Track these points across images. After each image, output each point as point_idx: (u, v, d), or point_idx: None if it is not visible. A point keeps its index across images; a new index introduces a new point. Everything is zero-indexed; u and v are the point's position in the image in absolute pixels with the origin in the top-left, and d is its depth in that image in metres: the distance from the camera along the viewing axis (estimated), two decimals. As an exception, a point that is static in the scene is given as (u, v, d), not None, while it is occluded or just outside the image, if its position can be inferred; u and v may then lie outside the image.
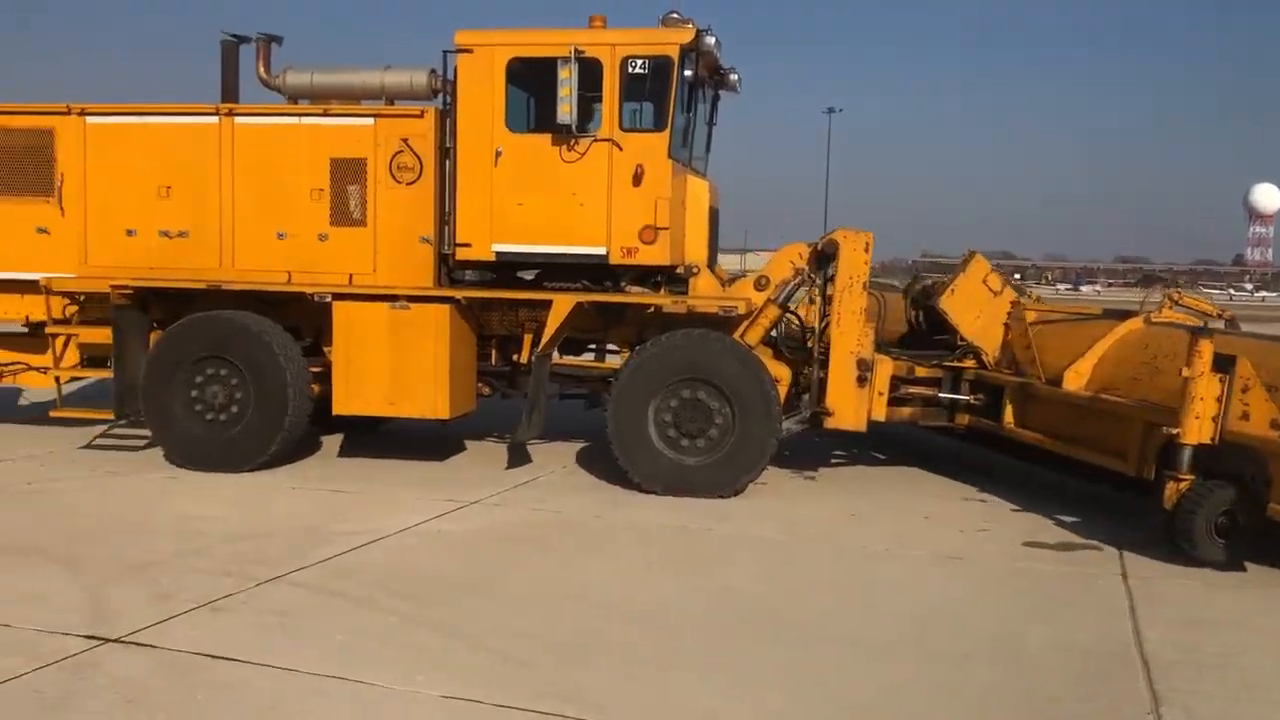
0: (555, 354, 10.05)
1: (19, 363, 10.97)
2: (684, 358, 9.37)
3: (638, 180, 9.43)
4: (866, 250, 9.75)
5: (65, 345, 10.57)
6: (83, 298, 10.53)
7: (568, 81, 9.11)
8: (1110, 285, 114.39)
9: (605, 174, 9.47)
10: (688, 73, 9.62)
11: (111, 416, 10.23)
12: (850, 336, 9.62)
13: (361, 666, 5.25)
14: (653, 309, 9.96)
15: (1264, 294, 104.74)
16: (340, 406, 9.77)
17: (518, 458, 10.45)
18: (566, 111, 9.14)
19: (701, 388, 9.32)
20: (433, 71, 9.99)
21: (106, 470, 9.81)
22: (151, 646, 5.44)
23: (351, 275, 9.98)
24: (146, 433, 10.41)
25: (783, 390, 9.78)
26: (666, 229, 9.47)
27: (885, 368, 9.88)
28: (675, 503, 9.03)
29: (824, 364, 9.75)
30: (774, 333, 10.20)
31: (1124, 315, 9.50)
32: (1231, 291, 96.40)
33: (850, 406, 9.64)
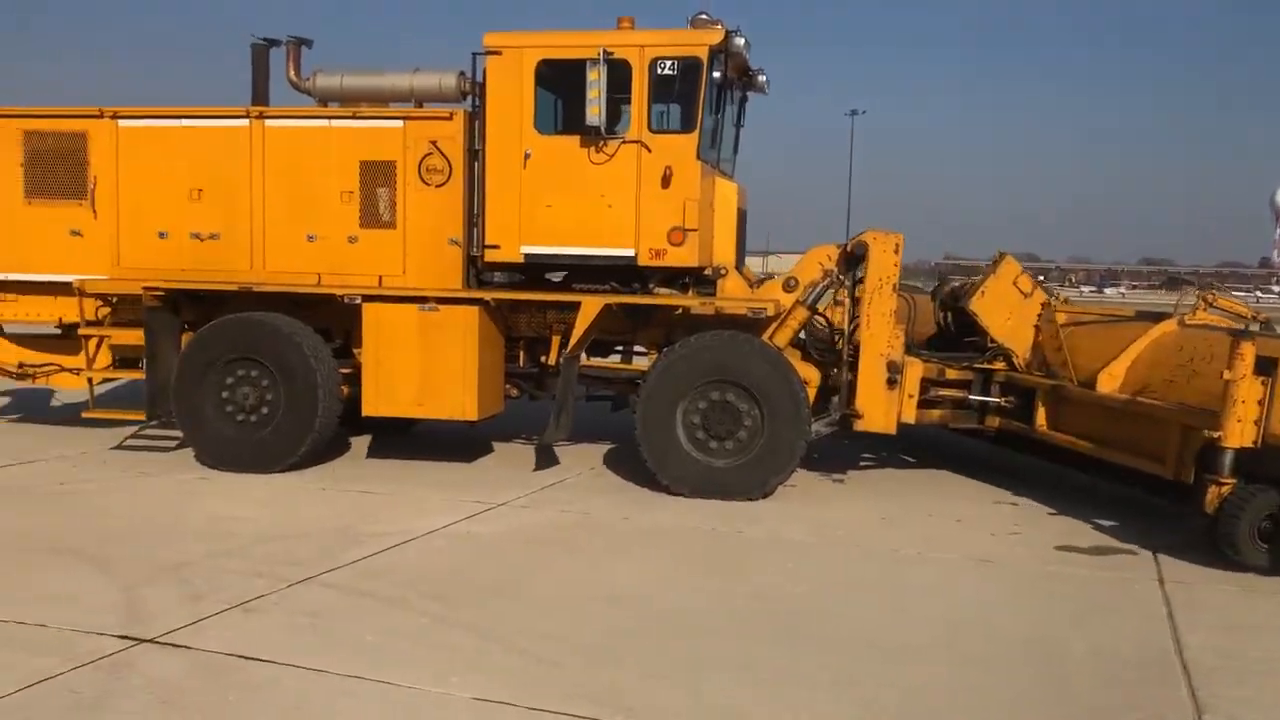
0: (583, 355, 10.04)
1: (52, 364, 11.06)
2: (713, 359, 9.33)
3: (666, 182, 9.41)
4: (896, 252, 9.69)
5: (98, 347, 10.65)
6: (115, 299, 10.61)
7: (596, 83, 9.11)
8: (1134, 287, 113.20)
9: (634, 176, 9.46)
10: (717, 74, 9.59)
11: (143, 417, 10.30)
12: (880, 338, 9.56)
13: (393, 668, 5.26)
14: (681, 311, 9.94)
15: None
16: (370, 408, 9.80)
17: (545, 459, 10.45)
18: (595, 113, 9.14)
19: (730, 390, 9.28)
20: (461, 74, 10.00)
21: (138, 471, 9.87)
22: (185, 647, 5.46)
23: (381, 277, 10.01)
24: (178, 434, 10.49)
25: (811, 392, 9.73)
26: (695, 230, 9.45)
27: (916, 370, 9.80)
28: (703, 505, 9.00)
29: (853, 366, 9.69)
30: (801, 334, 10.16)
31: (1157, 317, 9.39)
32: (1258, 294, 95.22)
33: (880, 409, 9.58)
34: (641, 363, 10.60)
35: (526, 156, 9.59)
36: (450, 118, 9.93)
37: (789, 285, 10.02)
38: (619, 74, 9.32)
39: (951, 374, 10.15)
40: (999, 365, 10.16)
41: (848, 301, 9.91)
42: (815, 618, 6.28)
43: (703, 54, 9.39)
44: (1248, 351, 7.33)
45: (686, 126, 9.52)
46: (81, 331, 10.50)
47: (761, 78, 10.81)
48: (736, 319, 9.61)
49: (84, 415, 10.68)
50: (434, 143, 9.89)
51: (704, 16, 9.63)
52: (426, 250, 9.97)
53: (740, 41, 9.73)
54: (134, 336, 10.26)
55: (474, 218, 9.93)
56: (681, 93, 9.52)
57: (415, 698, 4.95)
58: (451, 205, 9.90)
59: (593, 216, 9.54)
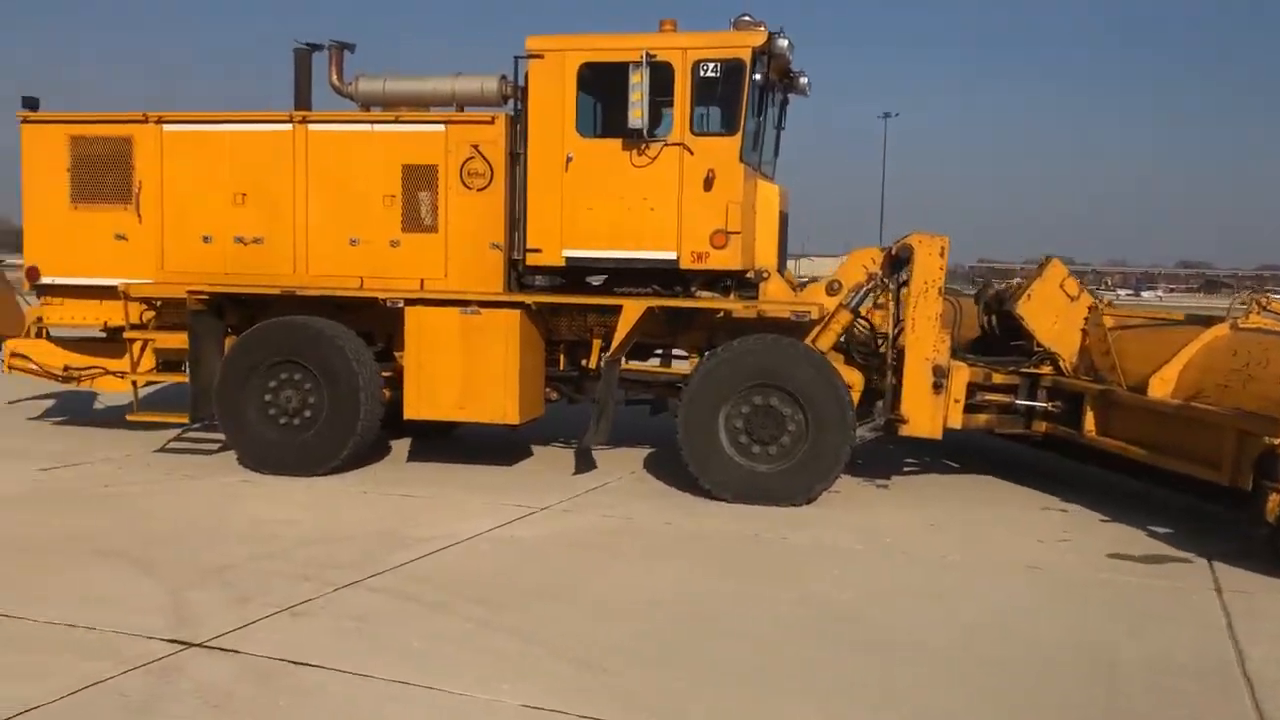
0: (623, 359, 10.00)
1: (97, 367, 11.15)
2: (756, 363, 9.25)
3: (709, 184, 9.35)
4: (942, 255, 9.58)
5: (142, 350, 10.76)
6: (159, 303, 10.68)
7: (639, 86, 9.07)
8: (1171, 290, 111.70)
9: (676, 178, 9.41)
10: (759, 76, 9.52)
11: (186, 420, 10.38)
12: (925, 342, 9.45)
13: (439, 673, 5.23)
14: (723, 314, 9.87)
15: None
16: (411, 411, 9.80)
17: (584, 463, 10.41)
18: (638, 116, 9.09)
19: (774, 394, 9.19)
20: (503, 77, 9.98)
21: (182, 474, 9.93)
22: (234, 651, 5.46)
23: (423, 280, 10.01)
24: (220, 436, 10.53)
25: (855, 397, 9.63)
26: (738, 233, 9.38)
27: (962, 374, 9.69)
28: (746, 510, 8.93)
29: (898, 370, 9.58)
30: (843, 338, 10.06)
31: (1208, 321, 9.23)
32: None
33: (926, 414, 9.46)
34: (681, 366, 10.54)
35: (568, 160, 9.57)
36: (492, 121, 9.92)
37: (833, 288, 9.92)
38: (661, 76, 9.27)
39: (998, 378, 10.01)
40: (1046, 369, 10.02)
41: (891, 305, 9.80)
42: (865, 624, 6.20)
43: (746, 56, 9.33)
44: (1308, 356, 7.17)
45: (729, 129, 9.46)
46: (126, 335, 10.59)
47: (803, 80, 10.76)
48: (779, 322, 9.53)
49: (128, 418, 10.77)
50: (475, 146, 9.88)
51: (747, 18, 9.56)
52: (468, 254, 9.97)
53: (783, 43, 9.68)
54: (178, 340, 10.32)
55: (515, 221, 9.91)
56: (724, 95, 9.47)
57: (463, 704, 4.91)
58: (493, 209, 9.89)
59: (634, 220, 9.50)
